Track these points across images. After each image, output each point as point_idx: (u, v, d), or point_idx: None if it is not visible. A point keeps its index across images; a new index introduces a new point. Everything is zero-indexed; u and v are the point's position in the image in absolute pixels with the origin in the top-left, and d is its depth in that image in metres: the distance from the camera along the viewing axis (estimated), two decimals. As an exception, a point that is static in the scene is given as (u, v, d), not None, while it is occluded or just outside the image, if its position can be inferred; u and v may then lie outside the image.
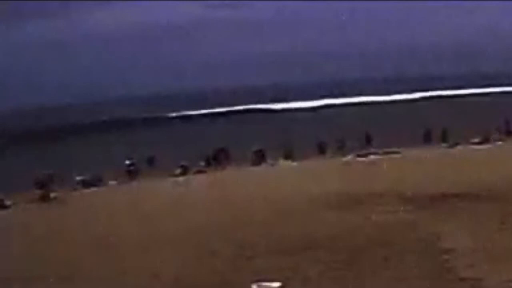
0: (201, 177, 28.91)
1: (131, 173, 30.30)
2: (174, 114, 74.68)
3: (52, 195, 25.28)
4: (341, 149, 33.35)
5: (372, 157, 31.41)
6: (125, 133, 51.18)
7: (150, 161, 32.99)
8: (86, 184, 28.34)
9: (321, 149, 33.99)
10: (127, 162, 31.37)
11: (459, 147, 32.99)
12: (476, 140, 33.99)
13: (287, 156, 32.10)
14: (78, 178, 28.99)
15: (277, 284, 10.31)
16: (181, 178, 28.70)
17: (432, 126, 37.41)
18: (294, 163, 30.81)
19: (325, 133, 37.42)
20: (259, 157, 31.58)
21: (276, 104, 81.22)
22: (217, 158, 32.06)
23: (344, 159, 31.18)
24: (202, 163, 31.87)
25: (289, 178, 25.15)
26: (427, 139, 35.39)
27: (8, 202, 24.20)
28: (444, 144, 34.13)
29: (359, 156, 31.81)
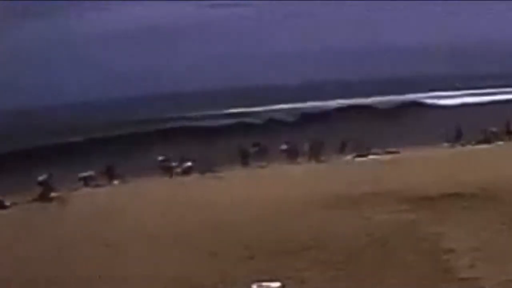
0: (202, 177, 28.92)
1: (165, 169, 30.09)
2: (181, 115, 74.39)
3: (52, 194, 25.29)
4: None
5: (372, 157, 31.41)
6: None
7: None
8: (89, 182, 28.38)
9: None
10: (160, 158, 31.33)
11: (459, 147, 32.99)
12: (476, 140, 34.02)
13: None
14: (82, 174, 28.96)
15: (277, 284, 10.30)
16: (182, 178, 28.72)
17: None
18: (295, 164, 30.76)
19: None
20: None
21: (276, 105, 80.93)
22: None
23: (344, 159, 31.17)
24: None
25: (289, 178, 25.14)
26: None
27: (7, 202, 24.20)
28: (444, 144, 34.11)
29: (359, 156, 31.80)
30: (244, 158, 31.33)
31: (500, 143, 33.08)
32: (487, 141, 33.65)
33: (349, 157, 31.67)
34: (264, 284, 10.33)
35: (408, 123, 53.22)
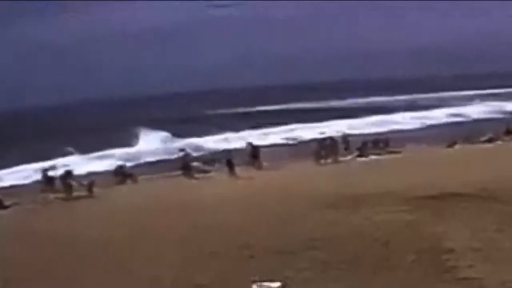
0: (206, 176, 29.00)
1: (185, 165, 30.04)
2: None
3: (52, 195, 25.31)
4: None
5: (372, 157, 31.45)
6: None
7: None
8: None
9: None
10: (181, 154, 31.40)
11: (459, 147, 33.01)
12: (477, 140, 34.05)
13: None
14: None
15: (277, 284, 10.30)
16: (184, 179, 28.76)
17: None
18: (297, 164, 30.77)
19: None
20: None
21: (280, 105, 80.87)
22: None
23: (344, 159, 31.19)
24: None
25: (289, 178, 25.16)
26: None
27: (7, 202, 24.22)
28: (444, 144, 34.14)
29: (359, 156, 31.83)
30: (254, 158, 31.19)
31: (500, 143, 33.11)
32: (487, 141, 33.71)
33: (349, 157, 31.70)
34: (264, 284, 10.33)
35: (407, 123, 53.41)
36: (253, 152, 31.44)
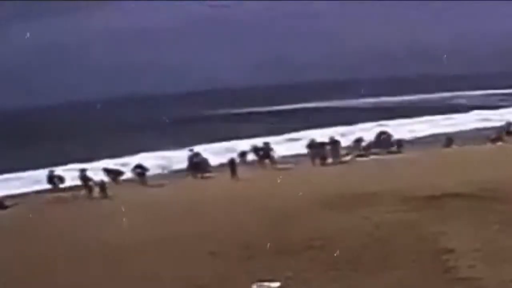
0: (207, 176, 29.01)
1: (196, 166, 30.01)
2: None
3: (52, 196, 25.34)
4: None
5: (372, 157, 31.46)
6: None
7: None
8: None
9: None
10: (190, 153, 31.42)
11: (458, 147, 33.02)
12: (476, 140, 34.08)
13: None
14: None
15: (277, 284, 10.31)
16: (190, 179, 28.81)
17: None
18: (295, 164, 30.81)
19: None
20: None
21: (272, 106, 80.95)
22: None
23: (344, 159, 31.19)
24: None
25: (289, 178, 25.16)
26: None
27: (8, 202, 24.25)
28: (443, 144, 34.16)
29: (359, 156, 31.84)
30: (266, 158, 31.18)
31: (500, 143, 33.13)
32: (487, 141, 33.73)
33: (349, 157, 31.70)
34: (264, 284, 10.34)
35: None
36: (266, 151, 31.55)
